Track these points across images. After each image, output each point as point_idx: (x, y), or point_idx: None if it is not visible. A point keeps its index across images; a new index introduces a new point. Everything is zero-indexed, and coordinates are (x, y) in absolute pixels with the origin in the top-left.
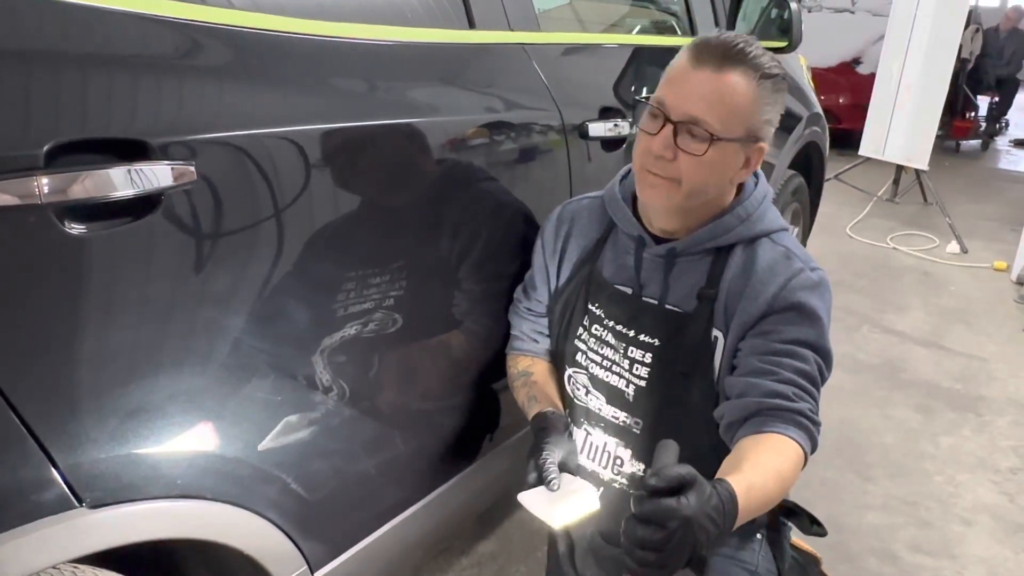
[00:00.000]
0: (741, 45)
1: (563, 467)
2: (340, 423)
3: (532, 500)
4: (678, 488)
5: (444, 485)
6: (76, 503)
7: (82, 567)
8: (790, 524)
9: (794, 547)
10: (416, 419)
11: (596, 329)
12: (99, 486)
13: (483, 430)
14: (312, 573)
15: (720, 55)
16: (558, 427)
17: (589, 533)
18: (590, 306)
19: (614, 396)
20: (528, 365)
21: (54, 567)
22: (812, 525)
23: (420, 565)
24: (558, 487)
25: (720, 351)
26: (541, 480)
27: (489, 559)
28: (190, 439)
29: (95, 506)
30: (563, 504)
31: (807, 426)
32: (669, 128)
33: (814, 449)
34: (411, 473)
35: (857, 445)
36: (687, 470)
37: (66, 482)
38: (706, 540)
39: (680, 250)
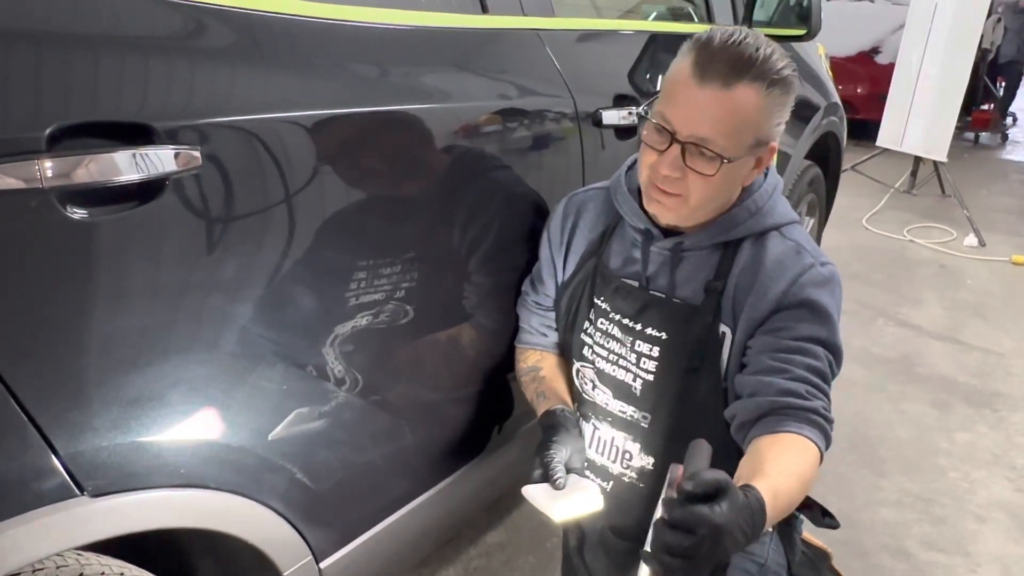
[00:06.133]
0: (748, 53)
1: (570, 466)
2: (346, 413)
3: (535, 493)
4: (712, 495)
5: (452, 476)
6: (77, 492)
7: (87, 555)
8: (802, 517)
9: (805, 542)
10: (424, 410)
11: (601, 323)
12: (101, 475)
13: (491, 421)
14: (317, 563)
15: (726, 69)
16: (566, 425)
17: (599, 527)
18: (595, 299)
19: (621, 390)
20: (537, 360)
21: (58, 555)
22: (824, 518)
23: (428, 555)
24: (563, 486)
25: (728, 347)
26: (546, 477)
27: (497, 549)
28: (194, 428)
29: (97, 495)
30: (566, 500)
31: (822, 424)
32: (677, 148)
33: (828, 446)
34: (418, 464)
35: (871, 440)
36: (722, 476)
37: (67, 470)
38: (734, 549)
39: (688, 245)
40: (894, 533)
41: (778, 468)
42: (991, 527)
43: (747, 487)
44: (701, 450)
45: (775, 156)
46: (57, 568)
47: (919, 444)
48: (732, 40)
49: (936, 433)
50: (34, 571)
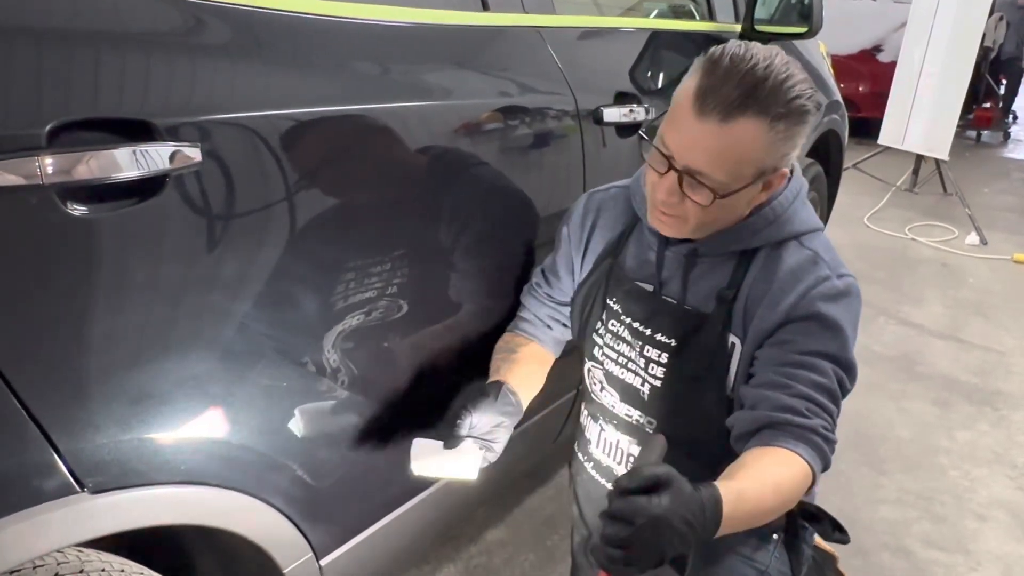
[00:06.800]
0: (754, 82)
1: (479, 433)
2: (347, 410)
3: (419, 446)
4: (653, 487)
5: None
6: (78, 488)
7: (87, 551)
8: (810, 528)
9: (812, 547)
10: (423, 407)
11: (613, 324)
12: (101, 471)
13: None
14: (318, 560)
15: (726, 102)
16: (496, 396)
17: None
18: (608, 301)
19: (628, 394)
20: (518, 344)
21: (59, 551)
22: (834, 531)
23: (429, 552)
24: (452, 447)
25: (737, 358)
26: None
27: (498, 547)
28: (195, 425)
29: (97, 491)
30: (438, 460)
31: (818, 444)
32: (674, 175)
33: (825, 468)
34: None
35: (871, 438)
36: (664, 470)
37: (68, 467)
38: (679, 542)
39: (703, 251)
40: (894, 531)
41: (751, 473)
42: (991, 526)
43: (705, 484)
44: (653, 445)
45: (787, 177)
46: (58, 564)
47: (920, 442)
48: (739, 67)
49: (937, 431)
50: (35, 568)
